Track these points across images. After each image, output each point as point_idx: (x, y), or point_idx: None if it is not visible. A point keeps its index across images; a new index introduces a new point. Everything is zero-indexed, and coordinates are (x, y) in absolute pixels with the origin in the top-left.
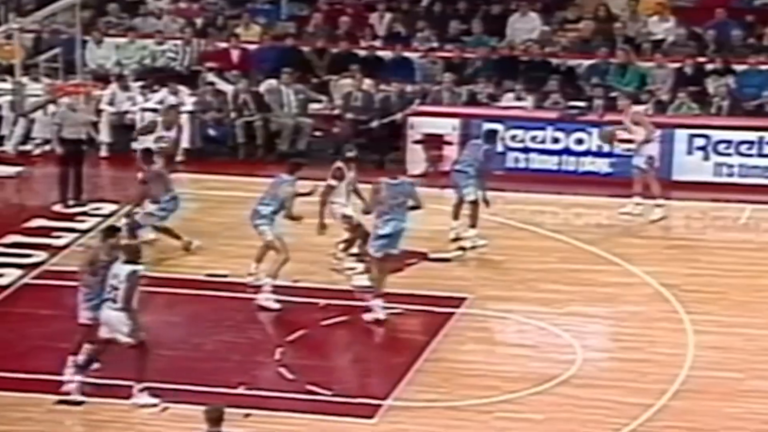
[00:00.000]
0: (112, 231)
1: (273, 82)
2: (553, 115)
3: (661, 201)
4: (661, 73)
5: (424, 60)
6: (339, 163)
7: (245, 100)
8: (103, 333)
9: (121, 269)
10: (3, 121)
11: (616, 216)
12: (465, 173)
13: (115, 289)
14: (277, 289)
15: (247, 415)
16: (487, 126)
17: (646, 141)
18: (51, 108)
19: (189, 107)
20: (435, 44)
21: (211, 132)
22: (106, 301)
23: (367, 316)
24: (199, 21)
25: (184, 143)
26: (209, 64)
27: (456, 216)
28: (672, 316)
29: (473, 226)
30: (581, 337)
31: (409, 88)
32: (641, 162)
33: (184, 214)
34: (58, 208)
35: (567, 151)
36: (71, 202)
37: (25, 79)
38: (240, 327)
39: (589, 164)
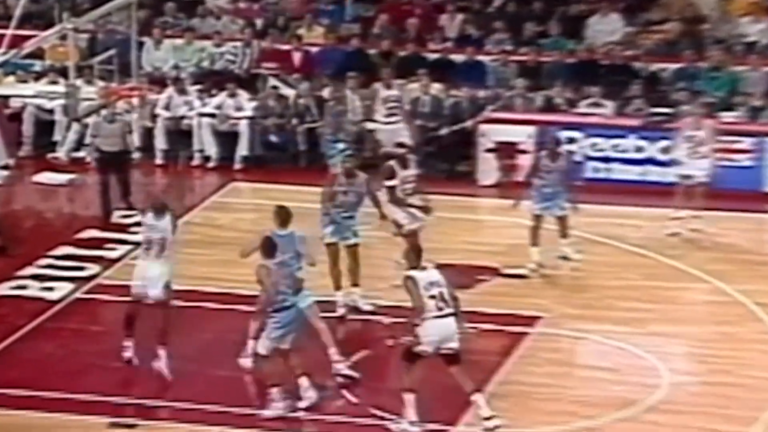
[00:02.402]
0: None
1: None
2: (635, 122)
3: (682, 214)
4: (753, 78)
5: (497, 63)
6: (391, 162)
7: (307, 105)
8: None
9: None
10: (56, 126)
11: (706, 230)
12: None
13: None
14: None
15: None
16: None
17: (705, 156)
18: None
19: (248, 112)
20: (509, 47)
21: (273, 138)
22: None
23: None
24: (259, 21)
25: (243, 150)
26: (268, 65)
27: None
28: (766, 337)
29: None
30: (666, 360)
31: (480, 93)
32: (696, 172)
33: (242, 226)
34: (113, 218)
35: (651, 161)
36: (121, 212)
37: (78, 82)
38: (300, 346)
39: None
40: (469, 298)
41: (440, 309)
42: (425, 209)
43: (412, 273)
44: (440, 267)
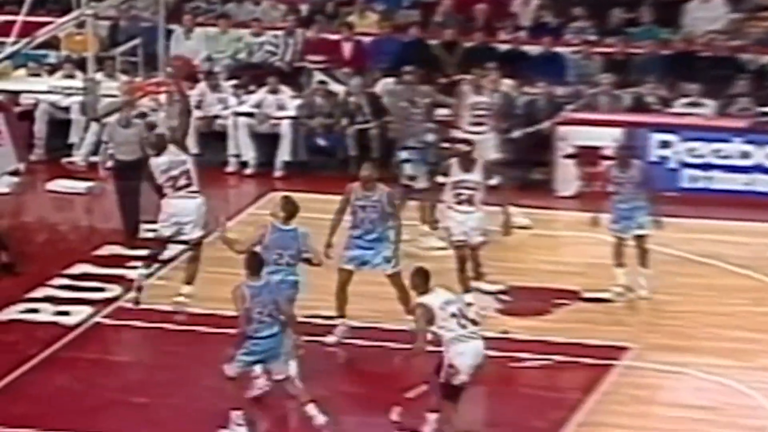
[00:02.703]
0: None
1: (390, 81)
2: (741, 123)
3: None
4: None
5: (579, 56)
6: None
7: (359, 103)
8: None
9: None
10: (72, 127)
11: None
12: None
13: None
14: (396, 335)
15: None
16: None
17: None
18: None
19: (291, 112)
20: (592, 37)
21: (319, 141)
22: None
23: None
24: (304, 7)
25: (285, 156)
26: (314, 57)
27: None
28: None
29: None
30: None
31: (559, 90)
32: None
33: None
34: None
35: (759, 168)
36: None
37: (98, 76)
38: (349, 379)
39: None
40: (545, 326)
41: (464, 327)
42: (506, 227)
43: (423, 299)
44: (512, 289)
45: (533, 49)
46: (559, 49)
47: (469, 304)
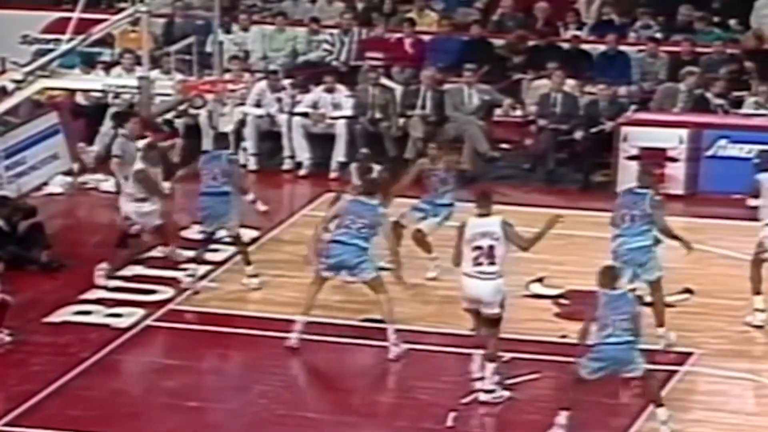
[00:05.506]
0: None
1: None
2: None
3: None
4: None
5: (644, 54)
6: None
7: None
8: None
9: None
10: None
11: None
12: None
13: None
14: (456, 340)
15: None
16: None
17: None
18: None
19: (348, 111)
20: (658, 35)
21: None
22: None
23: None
24: (360, 5)
25: (340, 156)
26: (372, 54)
27: None
28: None
29: None
30: None
31: (622, 90)
32: None
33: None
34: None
35: None
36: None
37: (153, 74)
38: (403, 384)
39: None
40: None
41: (479, 264)
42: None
43: (469, 219)
44: (572, 293)
45: (596, 48)
46: (623, 48)
47: None
